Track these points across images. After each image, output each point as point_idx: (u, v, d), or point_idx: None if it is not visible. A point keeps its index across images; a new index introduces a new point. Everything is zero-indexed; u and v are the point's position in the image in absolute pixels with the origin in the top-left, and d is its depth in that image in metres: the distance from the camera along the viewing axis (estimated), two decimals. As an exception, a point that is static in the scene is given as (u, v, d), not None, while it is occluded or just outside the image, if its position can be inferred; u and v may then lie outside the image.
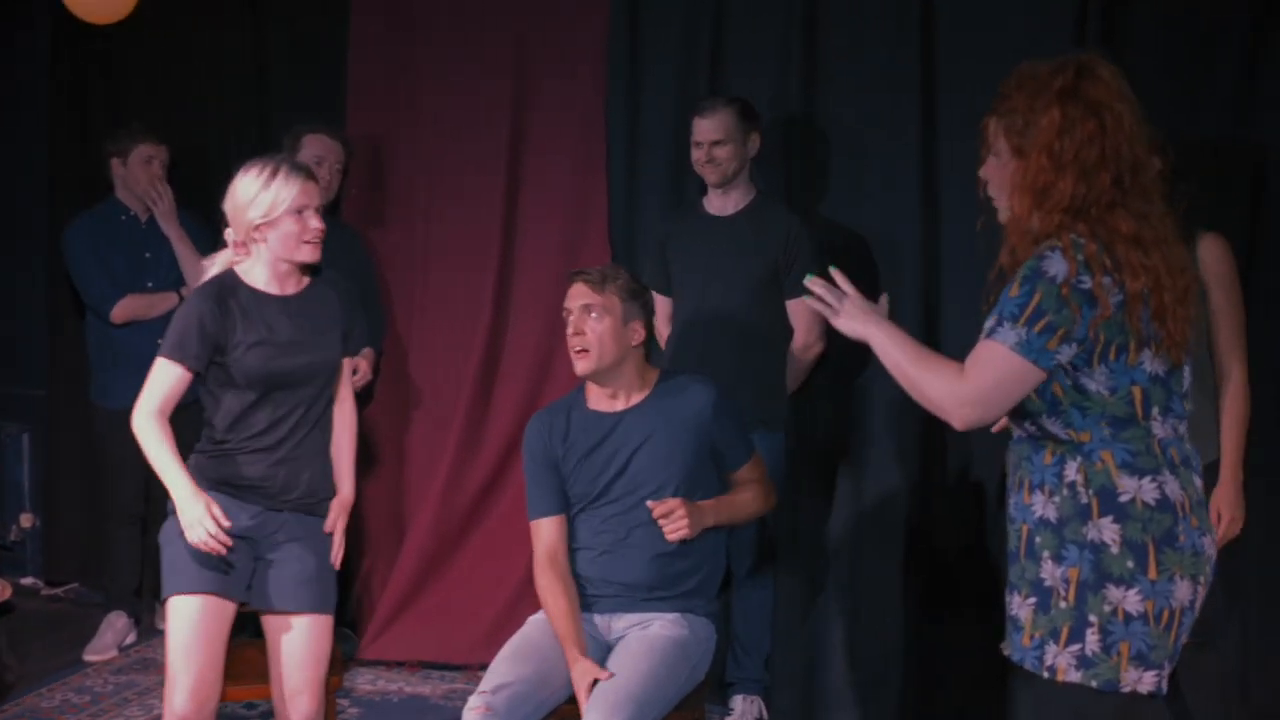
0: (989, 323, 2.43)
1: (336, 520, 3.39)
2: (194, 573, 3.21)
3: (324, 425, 3.39)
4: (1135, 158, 2.46)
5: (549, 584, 3.39)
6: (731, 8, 4.55)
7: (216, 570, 3.22)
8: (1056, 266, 2.38)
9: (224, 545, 3.14)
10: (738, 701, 4.32)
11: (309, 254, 3.30)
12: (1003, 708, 4.17)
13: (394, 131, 5.00)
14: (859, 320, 2.61)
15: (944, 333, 4.31)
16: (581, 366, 3.43)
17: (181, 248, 4.89)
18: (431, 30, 4.93)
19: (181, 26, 5.28)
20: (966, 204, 4.15)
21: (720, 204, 4.31)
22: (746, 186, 4.31)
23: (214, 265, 3.35)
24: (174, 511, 3.24)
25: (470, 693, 4.50)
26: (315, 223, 3.28)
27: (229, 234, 3.33)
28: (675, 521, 3.31)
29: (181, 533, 3.19)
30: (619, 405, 3.49)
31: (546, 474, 3.49)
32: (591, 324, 3.41)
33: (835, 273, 2.68)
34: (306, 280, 3.35)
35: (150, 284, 4.91)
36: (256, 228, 3.26)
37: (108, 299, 4.88)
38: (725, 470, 3.49)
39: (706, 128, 4.22)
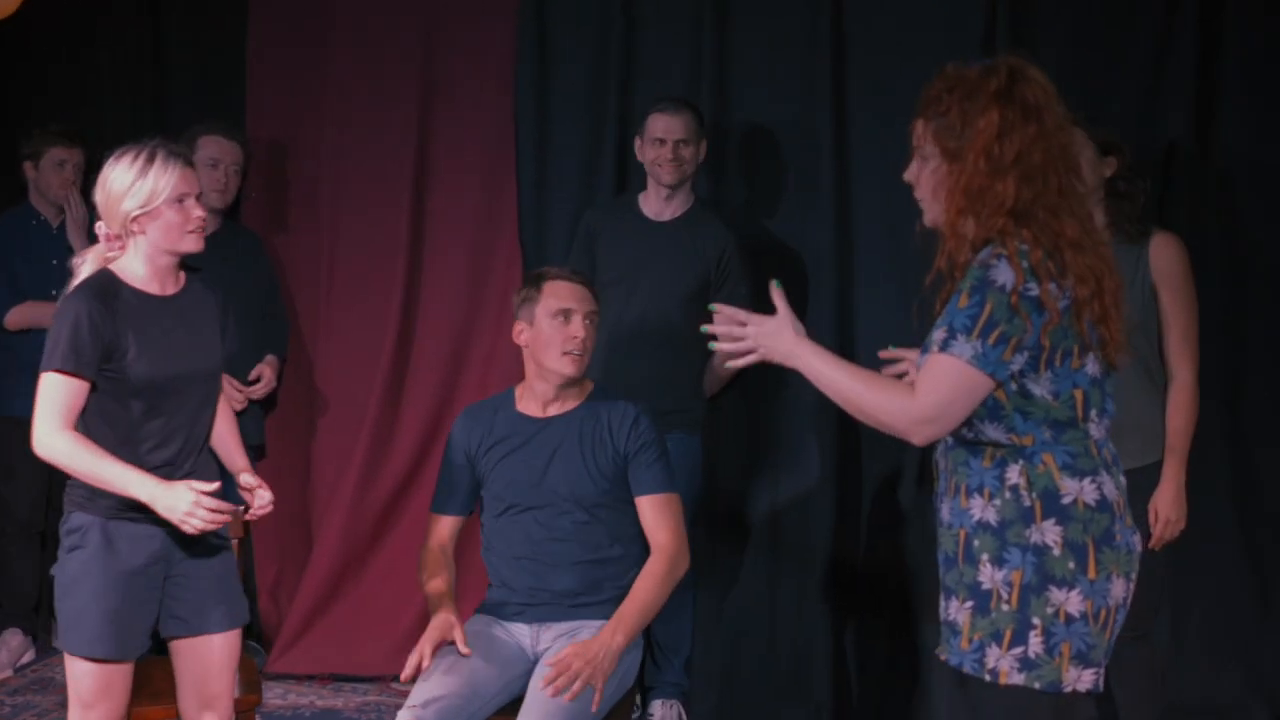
0: (938, 334, 2.39)
1: (255, 478, 3.21)
2: (99, 637, 3.03)
3: (208, 430, 3.22)
4: (1074, 159, 2.46)
5: (432, 561, 3.46)
6: (642, 11, 4.52)
7: (124, 628, 3.05)
8: (1004, 275, 2.36)
9: (227, 512, 2.95)
10: (656, 706, 4.28)
11: (193, 243, 3.09)
12: (919, 707, 4.21)
13: (296, 133, 4.90)
14: (779, 345, 2.52)
15: (859, 332, 4.34)
16: (576, 368, 3.39)
17: None
18: (334, 29, 4.83)
19: (74, 25, 5.11)
20: (879, 206, 4.25)
21: (658, 208, 4.27)
22: (688, 193, 4.28)
23: (85, 263, 3.11)
24: (73, 549, 3.06)
25: (385, 705, 4.52)
26: (198, 211, 3.08)
27: (100, 227, 3.10)
28: (568, 681, 3.14)
29: (83, 581, 3.02)
30: (551, 411, 3.46)
31: (460, 474, 3.48)
32: (589, 331, 3.41)
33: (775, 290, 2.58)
34: (183, 278, 3.16)
35: (55, 292, 4.71)
36: (134, 219, 3.03)
37: (2, 304, 4.72)
38: (634, 494, 3.44)
39: (674, 125, 4.17)
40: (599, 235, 4.29)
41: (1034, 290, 2.36)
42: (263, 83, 4.89)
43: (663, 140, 4.19)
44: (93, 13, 5.11)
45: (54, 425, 3.00)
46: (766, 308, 2.52)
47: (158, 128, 4.95)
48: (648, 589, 3.33)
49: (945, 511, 2.55)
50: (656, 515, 3.41)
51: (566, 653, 3.19)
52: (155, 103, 5.09)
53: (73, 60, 5.14)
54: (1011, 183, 2.39)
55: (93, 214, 3.19)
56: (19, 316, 4.72)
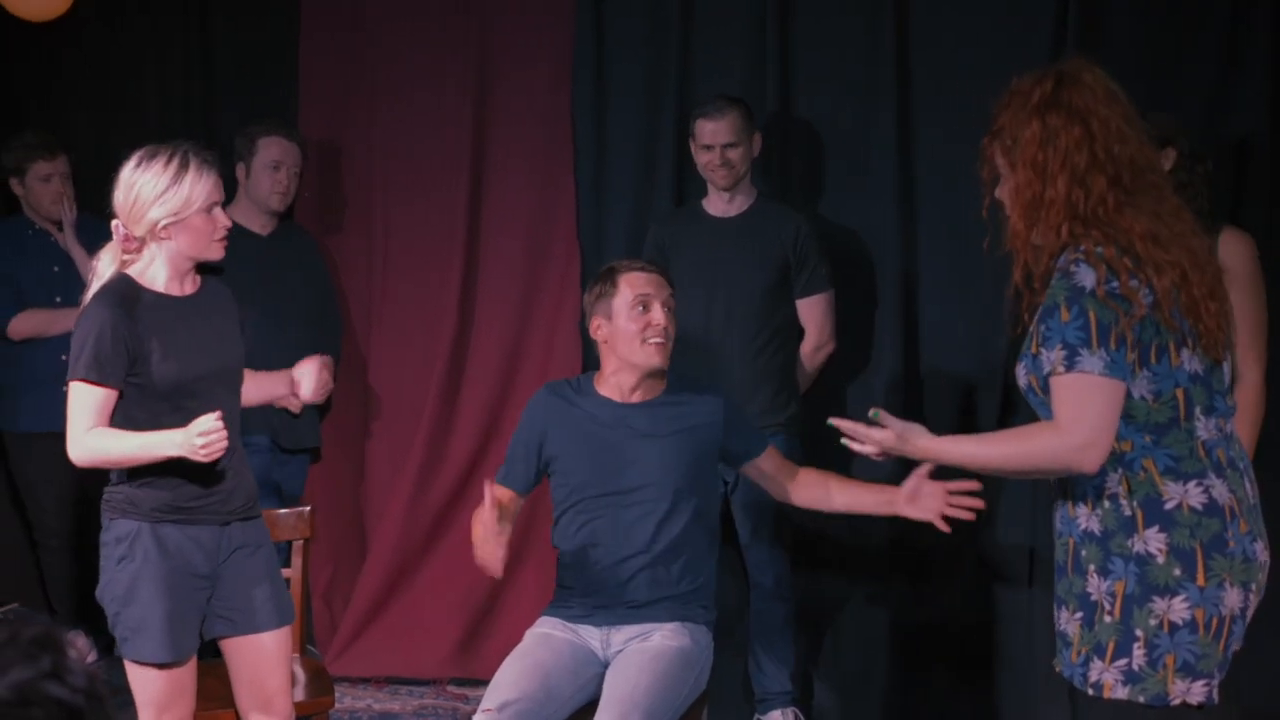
0: (1058, 354, 2.33)
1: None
2: (163, 643, 3.01)
3: (237, 427, 3.16)
4: (1133, 158, 2.42)
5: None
6: (699, 5, 4.47)
7: (181, 630, 3.04)
8: (1086, 277, 2.33)
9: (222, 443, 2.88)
10: (774, 717, 4.22)
11: (218, 251, 3.05)
12: (988, 708, 4.18)
13: (349, 132, 4.87)
14: (913, 447, 2.57)
15: (923, 332, 4.29)
16: (662, 357, 3.36)
17: (84, 265, 4.65)
18: (388, 27, 4.79)
19: (123, 23, 5.09)
20: (942, 203, 4.20)
21: (723, 206, 4.23)
22: (749, 188, 4.23)
23: (103, 261, 3.06)
24: (122, 559, 3.04)
25: (442, 708, 4.49)
26: (225, 220, 3.03)
27: (119, 227, 3.02)
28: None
29: (139, 589, 3.01)
30: (632, 398, 3.41)
31: (529, 452, 3.45)
32: (669, 316, 3.37)
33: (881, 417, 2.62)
34: (199, 279, 3.11)
35: (59, 299, 4.72)
36: (163, 227, 2.98)
37: (4, 314, 4.67)
38: (744, 462, 3.46)
39: (718, 130, 4.12)
40: (669, 244, 4.24)
41: (1117, 286, 2.32)
42: (315, 81, 4.86)
43: (709, 146, 4.15)
44: (138, 11, 5.10)
45: (82, 433, 2.97)
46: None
47: (206, 129, 4.94)
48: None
49: (1057, 520, 2.50)
50: (776, 462, 3.44)
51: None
52: (203, 103, 5.05)
53: (119, 60, 5.12)
54: (1062, 188, 2.37)
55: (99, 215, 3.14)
56: (23, 325, 4.68)
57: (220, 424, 2.87)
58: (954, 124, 4.10)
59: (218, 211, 3.02)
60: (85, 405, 2.96)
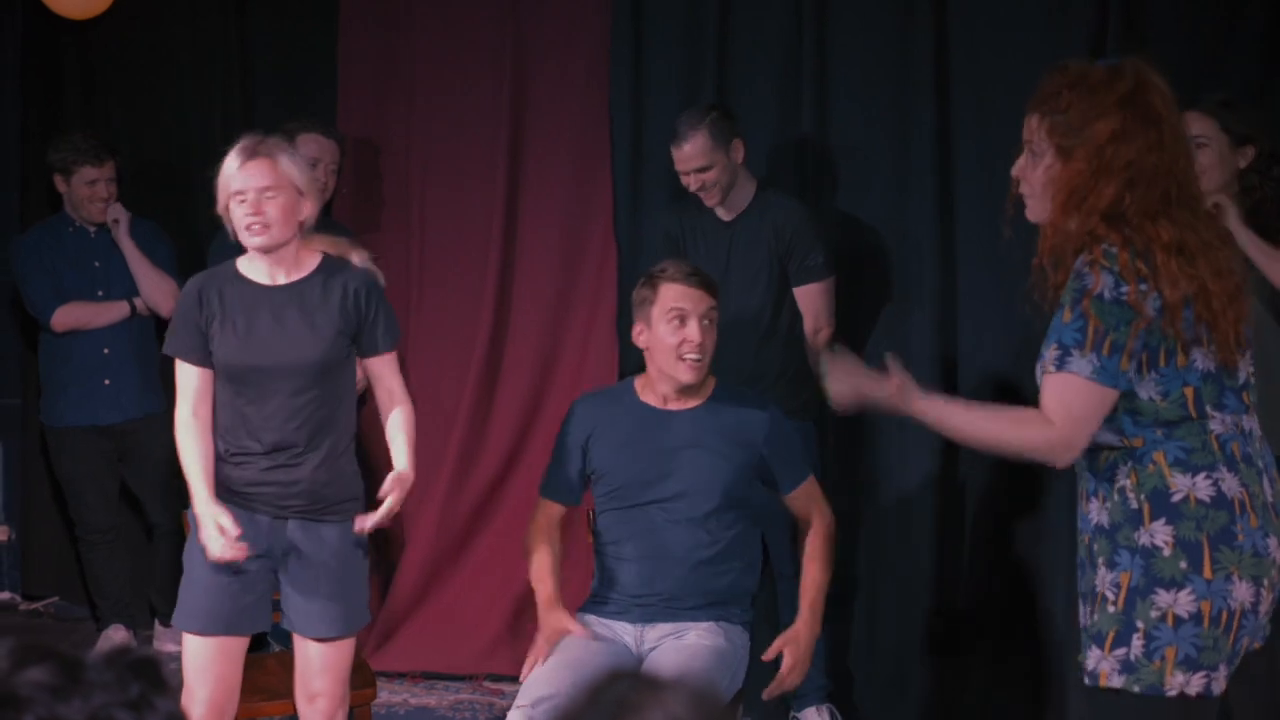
0: (1051, 352, 2.36)
1: (391, 491, 3.18)
2: (205, 611, 3.11)
3: (329, 427, 3.18)
4: (1185, 170, 2.41)
5: (539, 546, 3.40)
6: (736, 3, 4.47)
7: (229, 605, 3.10)
8: (1094, 282, 2.33)
9: (241, 553, 3.04)
10: (809, 714, 4.23)
11: (249, 240, 3.10)
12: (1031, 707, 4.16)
13: (387, 129, 4.90)
14: (903, 405, 2.54)
15: (960, 330, 4.27)
16: (695, 375, 3.35)
17: (134, 260, 4.73)
18: (426, 24, 4.82)
19: (162, 21, 5.13)
20: (981, 203, 4.17)
21: (726, 209, 4.23)
22: (747, 186, 4.22)
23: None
24: (194, 524, 3.13)
25: (479, 703, 4.51)
26: (249, 210, 3.07)
27: None
28: (798, 668, 3.30)
29: (190, 561, 3.12)
30: (673, 405, 3.41)
31: (573, 460, 3.44)
32: (708, 332, 3.34)
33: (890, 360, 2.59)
34: (311, 269, 3.15)
35: (101, 293, 4.77)
36: (223, 212, 3.13)
37: (48, 306, 4.72)
38: (780, 493, 3.46)
39: (685, 156, 4.09)
40: (685, 237, 4.25)
41: (1125, 292, 2.31)
42: (354, 78, 4.89)
43: (684, 171, 4.13)
44: (178, 7, 5.13)
45: (182, 411, 3.15)
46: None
47: (245, 126, 4.95)
48: (820, 568, 3.39)
49: (1078, 517, 2.51)
50: (805, 501, 3.45)
51: (788, 662, 3.25)
52: (242, 100, 5.09)
53: (158, 58, 5.16)
54: (1115, 187, 2.34)
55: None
56: (67, 317, 4.73)
57: (236, 552, 3.03)
58: (992, 127, 4.07)
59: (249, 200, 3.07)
60: (179, 378, 3.16)
